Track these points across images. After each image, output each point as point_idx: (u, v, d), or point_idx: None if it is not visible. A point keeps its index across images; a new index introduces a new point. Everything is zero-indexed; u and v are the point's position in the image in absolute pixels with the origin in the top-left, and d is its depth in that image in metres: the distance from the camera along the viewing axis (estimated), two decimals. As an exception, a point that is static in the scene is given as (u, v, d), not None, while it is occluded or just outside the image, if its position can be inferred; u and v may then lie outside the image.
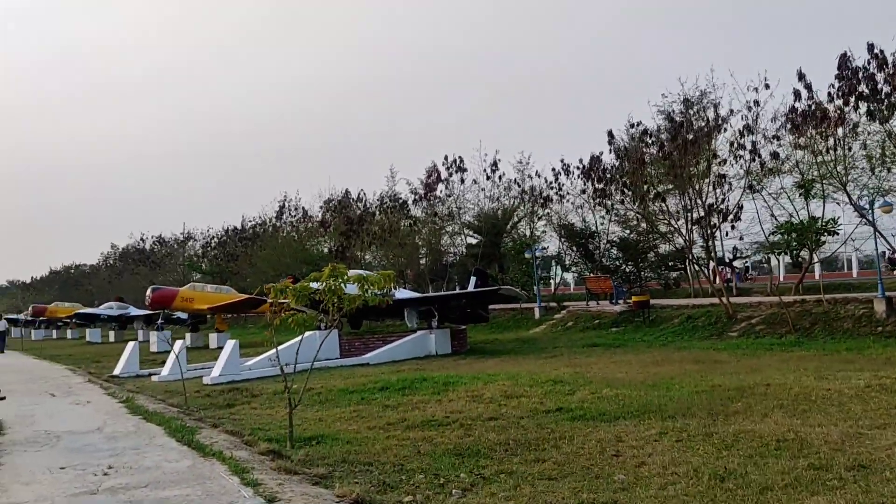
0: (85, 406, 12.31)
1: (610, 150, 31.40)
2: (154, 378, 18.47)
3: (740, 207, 25.04)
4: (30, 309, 58.10)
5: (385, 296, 9.62)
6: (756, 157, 23.79)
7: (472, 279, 27.27)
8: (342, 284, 8.98)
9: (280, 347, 19.83)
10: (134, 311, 47.58)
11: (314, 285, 9.27)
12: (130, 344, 20.89)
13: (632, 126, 30.53)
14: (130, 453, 7.90)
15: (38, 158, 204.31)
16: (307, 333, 21.67)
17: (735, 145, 24.12)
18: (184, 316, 39.43)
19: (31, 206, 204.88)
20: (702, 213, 24.68)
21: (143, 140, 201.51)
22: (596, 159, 34.26)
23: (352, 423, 10.58)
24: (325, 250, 49.08)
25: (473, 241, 41.49)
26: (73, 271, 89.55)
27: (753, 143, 23.80)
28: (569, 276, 41.91)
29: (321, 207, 46.77)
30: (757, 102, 24.76)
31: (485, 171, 36.86)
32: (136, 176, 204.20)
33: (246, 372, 18.22)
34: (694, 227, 26.08)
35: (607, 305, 29.81)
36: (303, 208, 49.44)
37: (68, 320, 53.30)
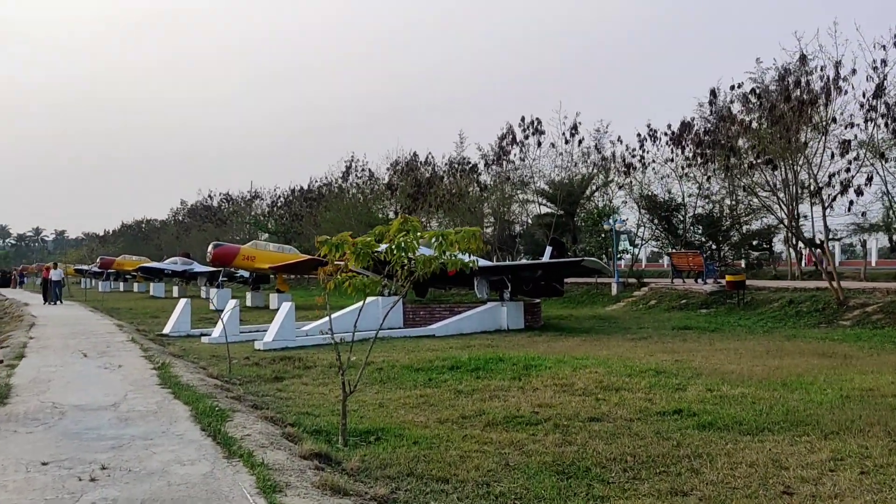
0: (113, 371, 10.66)
1: (711, 113, 28.34)
2: (204, 339, 17.05)
3: (869, 179, 21.86)
4: (98, 260, 57.95)
5: (470, 260, 7.51)
6: (890, 122, 20.58)
7: (548, 249, 24.99)
8: (415, 242, 6.89)
9: (335, 315, 18.59)
10: (198, 268, 46.70)
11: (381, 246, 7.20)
12: (182, 302, 19.49)
13: (732, 88, 27.40)
14: (138, 446, 6.06)
15: (126, 113, 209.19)
16: (368, 300, 20.54)
17: (866, 107, 20.95)
18: (246, 274, 38.22)
19: (109, 161, 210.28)
20: (814, 186, 21.66)
21: (222, 103, 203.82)
22: (686, 125, 31.28)
23: (419, 413, 8.60)
24: (391, 214, 47.63)
25: (545, 211, 39.13)
26: (143, 226, 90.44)
27: (888, 105, 20.59)
28: (637, 251, 38.99)
29: (388, 169, 44.92)
30: (885, 62, 21.53)
31: (563, 134, 34.27)
32: (210, 134, 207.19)
33: (302, 338, 16.64)
34: (798, 202, 23.05)
35: (693, 284, 27.12)
36: (369, 170, 47.68)
37: (135, 273, 52.64)
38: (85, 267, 62.77)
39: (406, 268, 7.13)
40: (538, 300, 22.35)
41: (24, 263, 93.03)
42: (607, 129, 35.56)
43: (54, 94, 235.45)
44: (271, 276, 36.67)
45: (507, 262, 28.53)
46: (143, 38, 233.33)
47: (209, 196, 69.95)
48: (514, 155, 34.33)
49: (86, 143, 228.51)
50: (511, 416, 8.31)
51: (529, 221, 40.93)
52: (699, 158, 29.67)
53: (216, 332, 17.20)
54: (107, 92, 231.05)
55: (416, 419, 8.28)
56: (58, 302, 30.56)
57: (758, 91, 24.07)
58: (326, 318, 18.92)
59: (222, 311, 16.78)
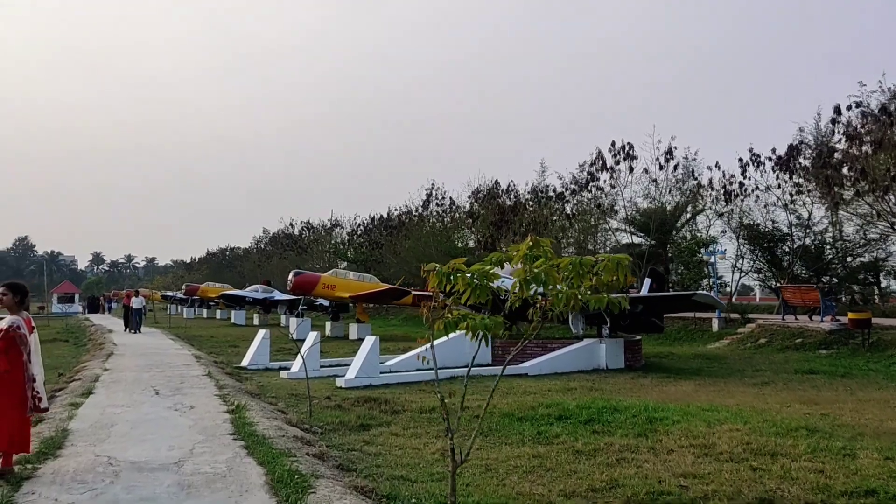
0: (183, 415, 9.45)
1: (834, 132, 25.97)
2: (283, 374, 15.90)
3: None
4: (183, 287, 58.60)
5: (621, 294, 5.95)
6: None
7: (647, 282, 23.00)
8: (555, 273, 5.37)
9: (415, 353, 17.25)
10: (278, 296, 46.08)
11: (501, 272, 5.71)
12: (260, 333, 18.45)
13: (849, 108, 24.97)
14: (198, 531, 4.63)
15: (208, 158, 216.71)
16: (454, 334, 19.18)
17: None
18: (325, 303, 37.76)
19: (197, 197, 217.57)
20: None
21: (297, 137, 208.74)
22: (794, 148, 28.85)
23: (536, 481, 7.00)
24: (470, 243, 46.43)
25: (634, 240, 36.98)
26: (227, 253, 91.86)
27: None
28: (736, 285, 36.34)
29: (469, 197, 43.78)
30: None
31: (657, 159, 32.23)
32: (290, 167, 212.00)
33: (386, 375, 15.24)
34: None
35: (808, 321, 24.57)
36: (450, 198, 46.63)
37: (218, 300, 52.96)
38: (171, 293, 63.58)
39: (539, 306, 5.58)
40: (638, 337, 20.39)
41: (115, 289, 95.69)
42: (696, 155, 33.29)
43: (146, 136, 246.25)
44: (350, 304, 35.97)
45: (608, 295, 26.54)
46: (235, 76, 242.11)
47: (290, 224, 70.04)
48: (605, 181, 32.49)
49: (175, 176, 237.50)
50: (654, 492, 6.62)
51: (607, 251, 38.85)
52: (809, 184, 27.21)
53: (296, 366, 16.05)
54: (191, 128, 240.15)
55: (535, 490, 6.69)
56: (138, 330, 30.14)
57: (866, 114, 21.77)
58: (412, 353, 17.99)
59: (301, 341, 15.61)
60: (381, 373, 15.17)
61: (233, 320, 46.57)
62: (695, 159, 33.13)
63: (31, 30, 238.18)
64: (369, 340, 15.08)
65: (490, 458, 7.98)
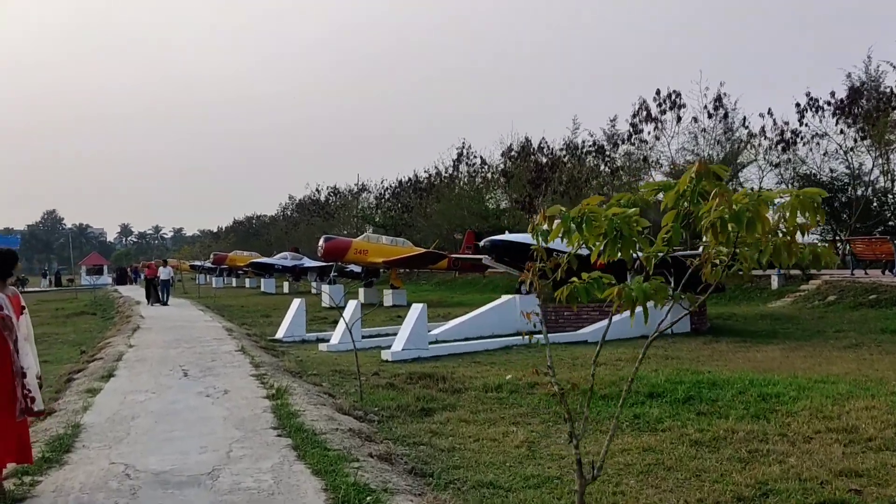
0: (216, 402, 8.07)
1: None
2: (322, 347, 14.62)
3: None
4: (211, 257, 57.92)
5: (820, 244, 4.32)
6: None
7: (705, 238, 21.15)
8: (759, 207, 3.78)
9: (466, 317, 16.61)
10: (308, 262, 45.28)
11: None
12: (296, 302, 17.20)
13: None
14: None
15: (235, 120, 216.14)
16: (503, 299, 16.83)
17: None
18: (357, 269, 36.82)
19: (224, 161, 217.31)
20: None
21: (319, 97, 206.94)
22: (856, 91, 26.63)
23: (662, 489, 5.51)
24: (503, 204, 44.81)
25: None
26: (254, 222, 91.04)
27: None
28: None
29: (502, 156, 41.94)
30: None
31: (705, 107, 30.13)
32: (313, 130, 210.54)
33: (434, 346, 13.89)
34: None
35: (881, 276, 22.69)
36: (480, 157, 44.99)
37: (247, 269, 52.16)
38: (199, 263, 62.81)
39: (722, 261, 4.03)
40: (703, 297, 18.71)
41: (143, 260, 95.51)
42: (735, 105, 31.11)
43: (165, 103, 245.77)
44: (382, 270, 35.09)
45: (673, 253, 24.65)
46: (251, 35, 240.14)
47: (317, 190, 68.92)
48: (648, 133, 30.53)
49: (201, 145, 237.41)
50: (824, 502, 5.07)
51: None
52: (872, 130, 25.09)
53: (336, 337, 14.84)
54: (217, 94, 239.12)
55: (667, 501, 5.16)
56: (166, 302, 28.96)
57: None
58: (458, 321, 16.58)
59: (342, 308, 14.23)
60: (430, 344, 13.81)
61: (262, 289, 45.65)
62: (734, 109, 31.12)
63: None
64: (417, 309, 13.68)
65: (590, 451, 6.46)
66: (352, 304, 14.82)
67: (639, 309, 15.93)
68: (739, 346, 14.33)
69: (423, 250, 30.83)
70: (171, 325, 18.97)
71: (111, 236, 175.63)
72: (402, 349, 13.13)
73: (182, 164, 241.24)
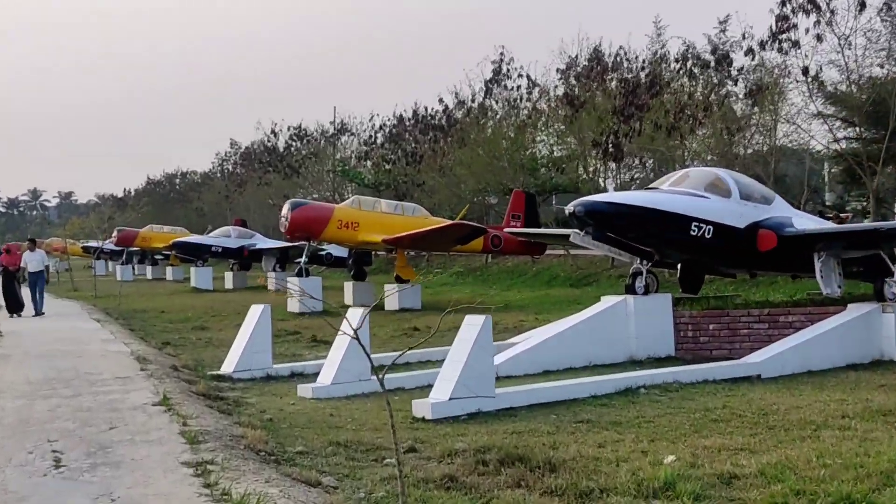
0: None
1: None
2: (304, 390, 13.32)
3: None
4: (114, 234, 56.74)
5: None
6: None
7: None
8: None
9: (554, 330, 16.36)
10: (262, 243, 45.29)
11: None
12: (256, 310, 15.65)
13: None
14: None
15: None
16: (606, 300, 16.76)
17: None
18: (340, 252, 36.89)
19: (129, 90, 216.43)
20: None
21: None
22: None
23: None
24: (557, 150, 43.69)
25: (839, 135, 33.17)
26: (177, 181, 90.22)
27: None
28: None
29: (560, 75, 39.61)
30: None
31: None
32: (265, 46, 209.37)
33: (504, 391, 12.32)
34: None
35: None
36: (528, 75, 42.64)
37: (168, 252, 52.05)
38: (96, 244, 61.33)
39: None
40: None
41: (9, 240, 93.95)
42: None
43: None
44: (379, 252, 35.61)
45: (876, 224, 22.24)
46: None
47: (272, 132, 66.96)
48: (807, 30, 28.19)
49: (96, 68, 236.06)
50: None
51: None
52: None
53: (327, 372, 13.54)
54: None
55: None
56: (38, 310, 26.81)
57: None
58: (530, 342, 15.80)
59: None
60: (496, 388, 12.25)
61: (193, 283, 44.88)
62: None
63: None
64: (473, 325, 11.95)
65: None
66: (355, 313, 12.85)
67: (846, 316, 13.33)
68: None
69: (448, 222, 30.21)
70: (42, 350, 17.67)
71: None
72: (451, 398, 11.53)
73: (68, 98, 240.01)
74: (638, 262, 16.14)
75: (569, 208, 15.82)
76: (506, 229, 30.75)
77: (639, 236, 16.12)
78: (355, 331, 7.20)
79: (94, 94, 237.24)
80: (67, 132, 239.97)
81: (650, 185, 18.29)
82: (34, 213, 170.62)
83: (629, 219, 15.60)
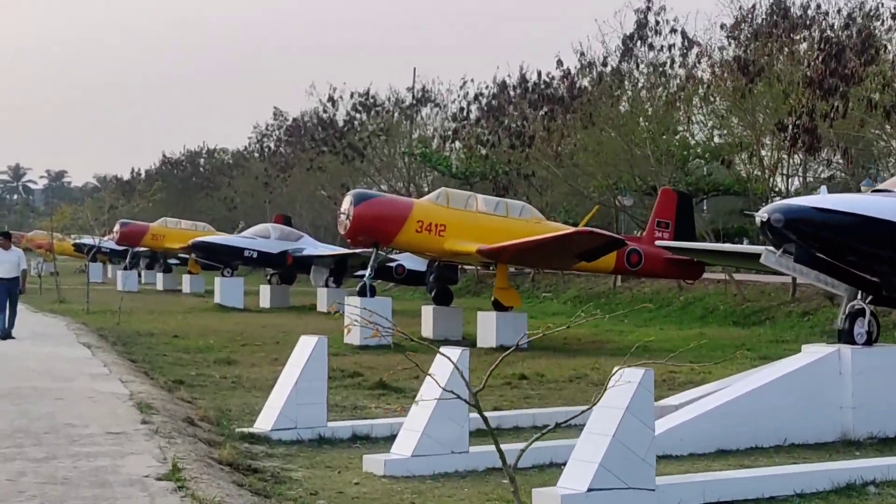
0: None
1: None
2: (372, 464, 12.86)
3: None
4: (116, 229, 57.75)
5: None
6: None
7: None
8: None
9: (735, 391, 15.78)
10: (311, 248, 45.64)
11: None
12: (307, 344, 15.23)
13: None
14: None
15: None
16: (809, 351, 16.35)
17: None
18: (415, 264, 37.97)
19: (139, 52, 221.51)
20: None
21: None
22: None
23: None
24: (716, 136, 44.12)
25: None
26: (202, 162, 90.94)
27: None
28: None
29: (728, 30, 39.47)
30: None
31: None
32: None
33: (667, 480, 11.91)
34: None
35: None
36: (682, 31, 43.14)
37: (186, 255, 53.27)
38: (92, 241, 61.85)
39: None
40: None
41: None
42: None
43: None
44: (475, 267, 36.21)
45: None
46: None
47: (330, 99, 66.74)
48: None
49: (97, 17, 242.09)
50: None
51: None
52: None
53: (407, 439, 13.03)
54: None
55: None
56: (8, 331, 26.69)
57: None
58: (692, 393, 16.59)
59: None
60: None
61: (218, 298, 45.59)
62: None
63: None
64: (631, 381, 11.39)
65: None
66: (453, 353, 12.31)
67: None
68: None
69: (573, 229, 29.98)
70: (7, 387, 17.57)
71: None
72: (590, 488, 10.90)
73: (62, 57, 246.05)
74: (859, 296, 15.14)
75: (760, 216, 15.00)
76: (657, 242, 30.07)
77: (867, 259, 15.46)
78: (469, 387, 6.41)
79: (96, 49, 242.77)
80: (60, 93, 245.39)
81: (878, 188, 17.34)
82: (14, 196, 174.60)
83: (853, 234, 14.84)
